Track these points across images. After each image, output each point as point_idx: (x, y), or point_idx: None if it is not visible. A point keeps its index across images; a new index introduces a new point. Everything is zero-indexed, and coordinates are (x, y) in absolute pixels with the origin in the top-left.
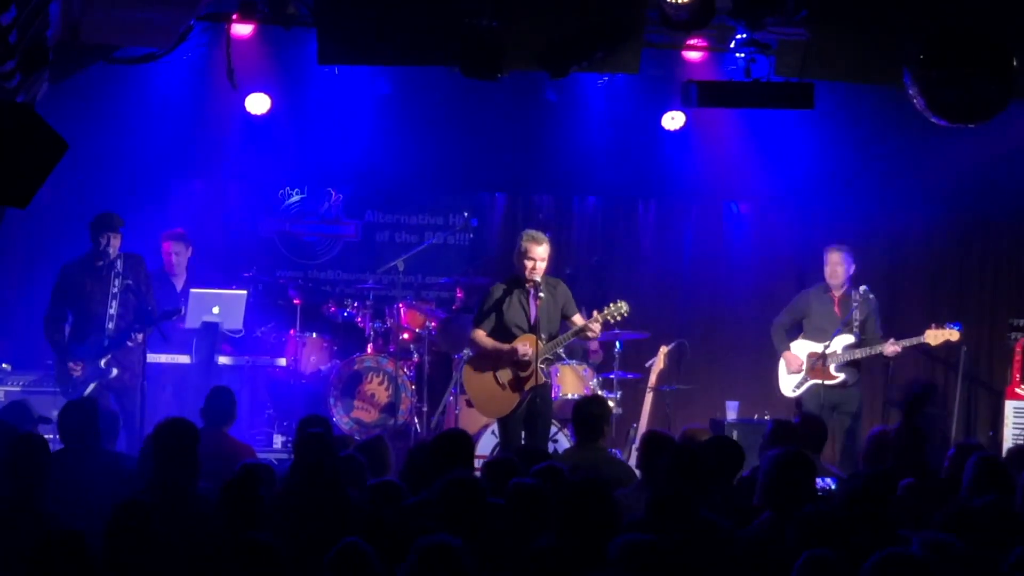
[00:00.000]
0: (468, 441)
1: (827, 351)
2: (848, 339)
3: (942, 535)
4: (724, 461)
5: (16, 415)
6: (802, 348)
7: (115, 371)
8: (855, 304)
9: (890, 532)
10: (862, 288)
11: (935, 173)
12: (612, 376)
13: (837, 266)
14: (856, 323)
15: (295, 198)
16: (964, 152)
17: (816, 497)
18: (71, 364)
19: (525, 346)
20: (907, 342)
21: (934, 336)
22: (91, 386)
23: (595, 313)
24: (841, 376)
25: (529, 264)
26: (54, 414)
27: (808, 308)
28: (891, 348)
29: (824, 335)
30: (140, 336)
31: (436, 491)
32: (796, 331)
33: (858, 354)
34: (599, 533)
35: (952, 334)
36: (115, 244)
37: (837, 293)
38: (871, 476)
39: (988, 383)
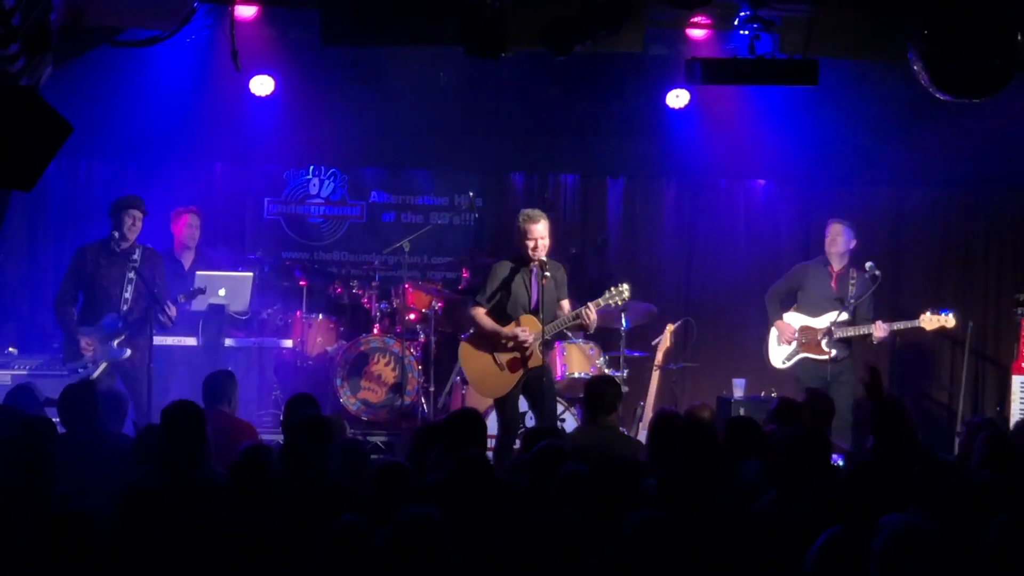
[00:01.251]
0: (480, 421)
1: (820, 326)
2: (842, 316)
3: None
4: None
5: (23, 398)
6: (795, 320)
7: (128, 351)
8: (852, 281)
9: (898, 508)
10: (868, 264)
11: (940, 148)
12: (619, 354)
13: (837, 236)
14: (851, 301)
15: (300, 180)
16: (969, 127)
17: (828, 474)
18: (83, 341)
19: (525, 332)
20: (899, 325)
21: (929, 321)
22: (102, 366)
23: (593, 303)
24: (832, 352)
25: (531, 244)
26: None
27: (805, 279)
28: (880, 330)
29: (818, 309)
30: (174, 310)
31: (446, 472)
32: (790, 301)
33: (850, 332)
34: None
35: (948, 320)
36: (136, 226)
37: (836, 268)
38: (879, 451)
39: (995, 358)
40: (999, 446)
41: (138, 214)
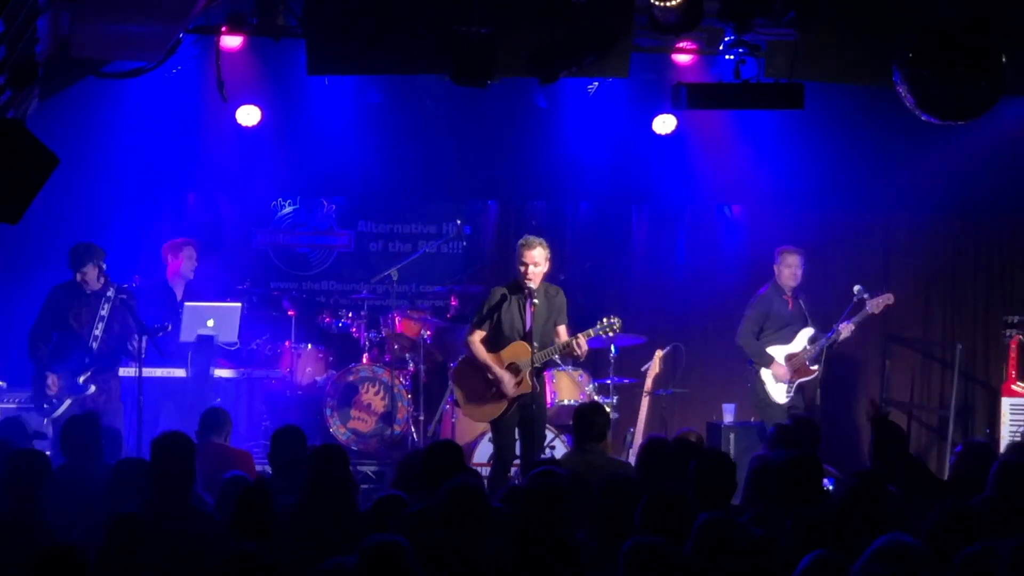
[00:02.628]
0: (458, 451)
1: (798, 349)
2: (809, 331)
3: (901, 536)
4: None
5: (11, 431)
6: (778, 353)
7: (92, 388)
8: (801, 300)
9: (887, 531)
10: (856, 288)
11: (927, 171)
12: (608, 381)
13: (797, 269)
14: (807, 317)
15: (287, 209)
16: (955, 150)
17: (821, 498)
18: (49, 379)
19: (511, 383)
20: (857, 319)
21: (876, 306)
22: (66, 403)
23: (584, 333)
24: (816, 368)
25: (522, 269)
26: (49, 431)
27: (771, 310)
28: (847, 331)
29: (788, 334)
30: (143, 342)
31: (439, 498)
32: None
33: (823, 343)
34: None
35: (888, 298)
36: (92, 276)
37: (790, 293)
38: (869, 475)
39: (984, 381)
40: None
41: (90, 268)
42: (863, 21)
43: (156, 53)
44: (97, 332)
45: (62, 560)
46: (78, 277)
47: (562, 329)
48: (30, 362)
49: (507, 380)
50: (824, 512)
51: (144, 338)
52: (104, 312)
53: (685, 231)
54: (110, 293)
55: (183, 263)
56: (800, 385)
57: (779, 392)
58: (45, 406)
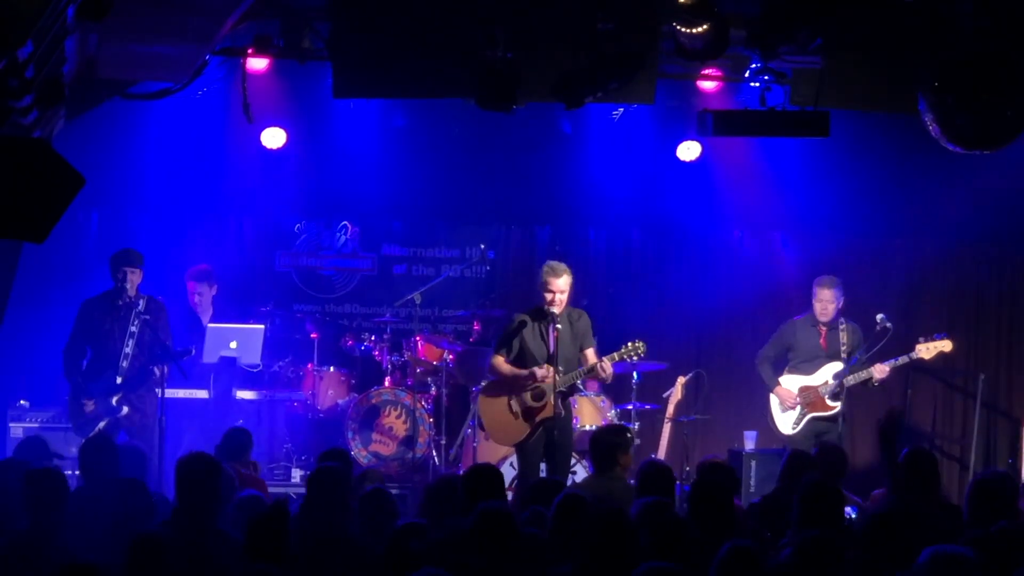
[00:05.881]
0: (498, 476)
1: (818, 383)
2: (837, 366)
3: (954, 548)
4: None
5: (31, 452)
6: (792, 382)
7: (125, 409)
8: (842, 332)
9: (911, 560)
10: (880, 316)
11: (951, 200)
12: (630, 407)
13: (829, 304)
14: (844, 352)
15: (312, 232)
16: (980, 178)
17: (843, 526)
18: (84, 401)
19: (544, 370)
20: (898, 362)
21: (927, 350)
22: (101, 423)
23: (609, 356)
24: (837, 405)
25: (548, 296)
26: (72, 451)
27: (794, 339)
28: (880, 372)
29: (810, 367)
30: (165, 368)
31: (469, 522)
32: (781, 363)
33: (850, 380)
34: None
35: (944, 345)
36: (133, 280)
37: (825, 325)
38: (893, 505)
39: (1007, 411)
40: (991, 494)
41: (133, 270)
42: (889, 49)
43: (182, 74)
44: (128, 349)
45: None
46: (121, 277)
47: (590, 352)
48: (65, 381)
49: (539, 372)
50: (847, 540)
51: (166, 366)
52: (134, 328)
53: (707, 258)
54: (140, 306)
55: (194, 298)
56: (819, 421)
57: (785, 422)
58: (82, 426)
